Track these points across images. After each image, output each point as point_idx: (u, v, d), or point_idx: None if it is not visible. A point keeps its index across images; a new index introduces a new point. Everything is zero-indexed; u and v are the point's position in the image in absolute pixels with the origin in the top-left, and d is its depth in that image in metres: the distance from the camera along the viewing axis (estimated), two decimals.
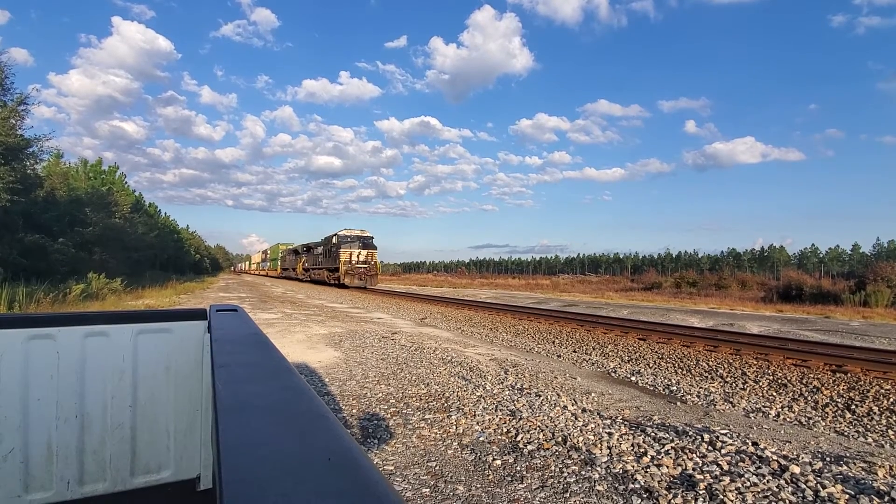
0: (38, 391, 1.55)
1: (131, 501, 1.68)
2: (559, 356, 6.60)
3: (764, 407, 4.13)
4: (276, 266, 55.40)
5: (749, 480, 2.43)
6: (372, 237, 27.45)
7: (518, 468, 2.66)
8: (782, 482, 2.41)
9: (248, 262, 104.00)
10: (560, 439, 3.08)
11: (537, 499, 2.32)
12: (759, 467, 2.59)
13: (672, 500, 2.28)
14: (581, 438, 3.10)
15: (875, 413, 3.95)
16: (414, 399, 4.03)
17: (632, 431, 3.24)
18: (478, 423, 3.40)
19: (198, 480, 1.81)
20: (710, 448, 2.90)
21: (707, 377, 5.31)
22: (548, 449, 2.94)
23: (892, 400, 4.26)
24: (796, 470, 2.53)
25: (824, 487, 2.34)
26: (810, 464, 2.67)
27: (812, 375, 5.23)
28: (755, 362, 5.93)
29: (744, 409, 4.08)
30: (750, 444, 2.96)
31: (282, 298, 17.49)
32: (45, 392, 1.56)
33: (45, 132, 17.67)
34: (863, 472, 2.56)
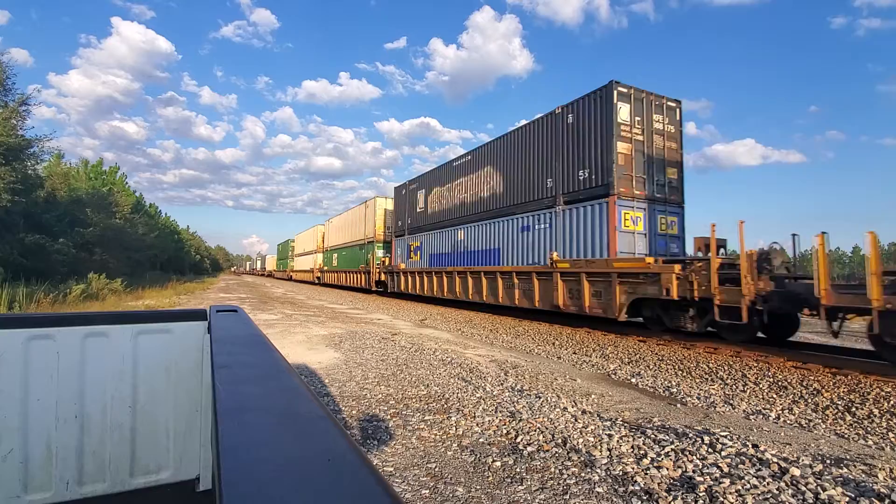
0: (37, 391, 1.55)
1: (131, 502, 1.68)
2: (559, 358, 6.59)
3: (764, 409, 4.13)
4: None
5: (749, 483, 2.43)
6: None
7: (518, 470, 2.66)
8: (782, 484, 2.41)
9: (286, 254, 50.95)
10: (560, 441, 3.08)
11: (537, 500, 2.32)
12: (760, 469, 2.59)
13: (672, 503, 2.28)
14: (581, 440, 3.09)
15: (875, 415, 3.94)
16: (414, 400, 4.02)
17: (632, 433, 3.23)
18: (478, 425, 3.39)
19: (197, 481, 1.81)
20: (710, 450, 2.89)
21: (707, 379, 5.30)
22: (548, 450, 2.93)
23: (892, 402, 4.26)
24: (796, 472, 2.52)
25: (824, 490, 2.34)
26: (810, 466, 2.67)
27: (812, 378, 5.22)
28: (755, 364, 5.92)
29: (744, 411, 4.07)
30: (750, 446, 2.95)
31: (282, 299, 17.49)
32: (44, 392, 1.56)
33: (46, 133, 17.69)
34: (863, 475, 2.56)
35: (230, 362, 0.82)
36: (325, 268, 31.26)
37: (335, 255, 29.46)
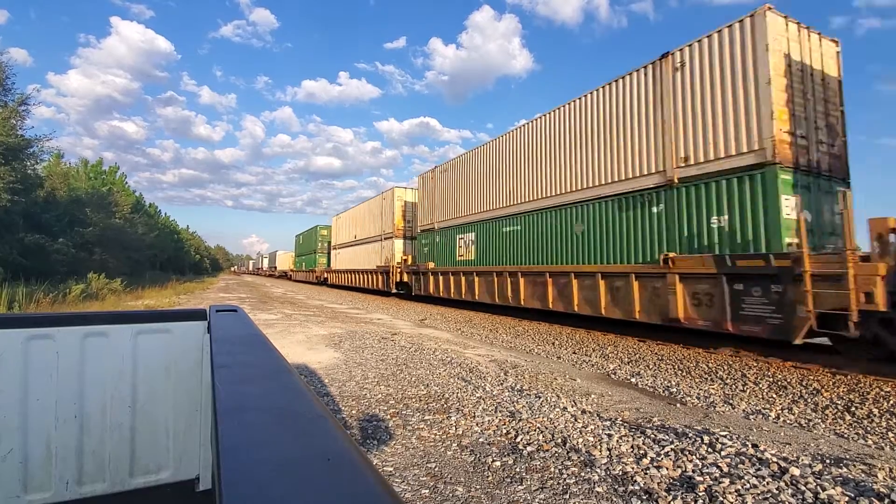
0: (37, 391, 1.55)
1: (130, 502, 1.68)
2: (559, 357, 6.59)
3: (764, 409, 4.13)
4: None
5: (749, 482, 2.43)
6: None
7: (518, 469, 2.66)
8: (782, 484, 2.41)
9: (311, 247, 35.28)
10: (560, 441, 3.08)
11: (536, 500, 2.32)
12: (759, 469, 2.59)
13: (672, 502, 2.28)
14: (581, 440, 3.09)
15: (875, 415, 3.95)
16: (413, 400, 4.02)
17: (631, 433, 3.24)
18: (477, 425, 3.39)
19: (197, 481, 1.81)
20: (709, 450, 2.89)
21: (707, 379, 5.30)
22: (547, 450, 2.93)
23: (892, 402, 4.26)
24: (796, 472, 2.52)
25: (824, 490, 2.34)
26: (810, 466, 2.67)
27: (812, 377, 5.22)
28: (755, 364, 5.92)
29: (744, 410, 4.07)
30: (750, 445, 2.95)
31: (281, 299, 17.49)
32: (44, 392, 1.56)
33: (45, 132, 17.74)
34: (862, 475, 2.56)
35: (230, 362, 0.82)
36: (433, 267, 15.51)
37: (466, 237, 13.72)
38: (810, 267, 5.47)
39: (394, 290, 18.91)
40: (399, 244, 19.24)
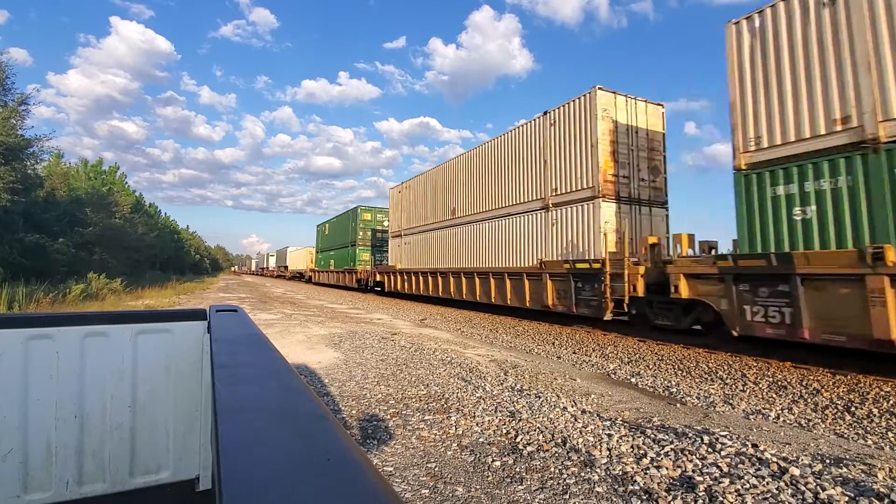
0: (37, 391, 1.55)
1: (130, 502, 1.68)
2: (559, 357, 6.59)
3: (763, 409, 4.13)
4: None
5: (749, 482, 2.43)
6: None
7: (517, 469, 2.66)
8: (782, 484, 2.41)
9: (347, 237, 24.52)
10: (560, 441, 3.08)
11: (536, 500, 2.32)
12: (759, 469, 2.59)
13: (671, 502, 2.28)
14: (581, 440, 3.09)
15: (875, 415, 3.95)
16: (413, 400, 4.02)
17: (631, 433, 3.24)
18: (477, 425, 3.39)
19: (197, 481, 1.81)
20: (709, 450, 2.89)
21: (707, 379, 5.30)
22: (547, 450, 2.93)
23: (891, 402, 4.26)
24: (796, 472, 2.52)
25: (824, 489, 2.34)
26: (810, 466, 2.67)
27: (812, 377, 5.22)
28: (755, 364, 5.92)
29: (743, 410, 4.08)
30: (750, 445, 2.95)
31: (281, 299, 17.50)
32: (44, 392, 1.56)
33: (45, 132, 17.72)
34: (862, 475, 2.56)
35: (230, 362, 0.82)
36: None
37: None
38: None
39: (609, 315, 8.54)
40: (609, 211, 9.15)
